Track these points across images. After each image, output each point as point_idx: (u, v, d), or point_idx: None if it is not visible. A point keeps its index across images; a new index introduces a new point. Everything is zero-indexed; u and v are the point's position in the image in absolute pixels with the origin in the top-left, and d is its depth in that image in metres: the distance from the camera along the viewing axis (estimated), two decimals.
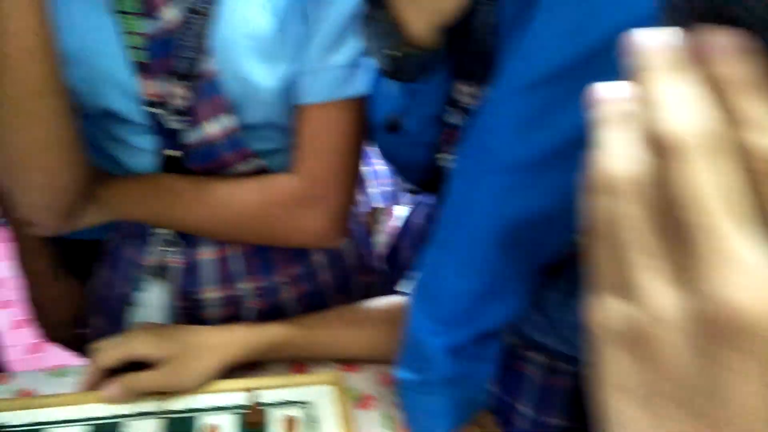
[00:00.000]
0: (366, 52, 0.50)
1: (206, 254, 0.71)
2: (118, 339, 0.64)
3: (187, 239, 0.71)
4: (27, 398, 0.63)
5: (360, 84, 0.61)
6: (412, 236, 0.88)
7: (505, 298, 0.52)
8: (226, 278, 0.72)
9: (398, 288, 0.75)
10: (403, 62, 0.48)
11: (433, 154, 0.58)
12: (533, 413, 0.63)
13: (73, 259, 0.89)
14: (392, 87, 0.54)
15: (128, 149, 0.67)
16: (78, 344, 0.94)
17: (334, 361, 0.69)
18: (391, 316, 0.68)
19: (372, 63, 0.57)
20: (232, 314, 0.74)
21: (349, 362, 0.69)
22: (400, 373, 0.58)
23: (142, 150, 0.66)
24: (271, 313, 0.74)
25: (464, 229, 0.50)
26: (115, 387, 0.61)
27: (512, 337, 0.61)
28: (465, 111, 0.54)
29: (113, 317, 0.78)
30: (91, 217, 0.68)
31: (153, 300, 0.74)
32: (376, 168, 1.42)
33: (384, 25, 0.47)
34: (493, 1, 0.49)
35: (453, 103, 0.54)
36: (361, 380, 0.68)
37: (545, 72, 0.42)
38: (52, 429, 0.59)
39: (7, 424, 0.58)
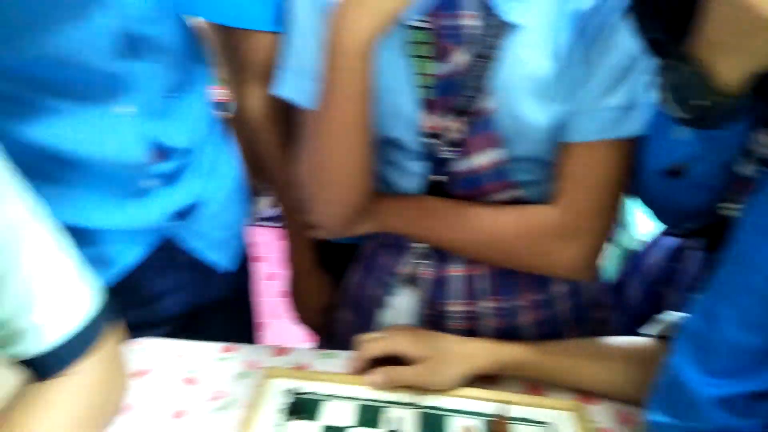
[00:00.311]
0: (663, 101, 0.51)
1: (455, 270, 0.78)
2: (383, 335, 0.74)
3: (439, 254, 0.78)
4: (309, 372, 0.76)
5: (632, 125, 0.63)
6: (643, 275, 0.86)
7: None
8: (470, 295, 0.78)
9: (639, 329, 0.75)
10: (711, 111, 0.49)
11: (715, 201, 0.58)
12: None
13: (331, 259, 1.03)
14: (683, 133, 0.55)
15: (400, 172, 0.76)
16: (322, 331, 1.08)
17: (570, 390, 0.71)
18: (633, 355, 0.69)
19: (651, 106, 0.59)
20: (471, 329, 0.80)
21: (585, 393, 0.71)
22: (654, 417, 0.58)
23: (412, 174, 0.75)
24: (507, 333, 0.78)
25: (751, 283, 0.49)
26: (379, 375, 0.71)
27: None
28: (760, 161, 0.53)
29: (362, 315, 0.89)
30: (364, 227, 0.78)
31: (402, 305, 0.82)
32: None
33: (688, 75, 0.48)
34: None
35: (747, 153, 0.54)
36: (600, 413, 0.69)
37: None
38: (332, 401, 0.71)
39: (298, 391, 0.71)
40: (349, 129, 0.65)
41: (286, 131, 0.94)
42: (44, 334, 0.59)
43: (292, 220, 1.00)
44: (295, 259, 1.03)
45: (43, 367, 0.60)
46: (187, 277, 0.92)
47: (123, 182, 0.79)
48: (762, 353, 0.50)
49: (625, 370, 0.68)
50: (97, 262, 0.70)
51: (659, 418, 0.58)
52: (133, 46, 0.74)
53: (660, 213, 0.68)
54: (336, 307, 1.01)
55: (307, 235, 0.99)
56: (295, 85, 0.74)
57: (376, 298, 0.86)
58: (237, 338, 0.85)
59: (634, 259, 0.89)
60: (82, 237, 0.69)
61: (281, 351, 0.82)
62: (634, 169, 0.66)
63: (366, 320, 0.88)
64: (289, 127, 0.93)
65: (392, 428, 0.67)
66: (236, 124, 0.99)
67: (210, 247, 0.93)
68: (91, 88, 0.71)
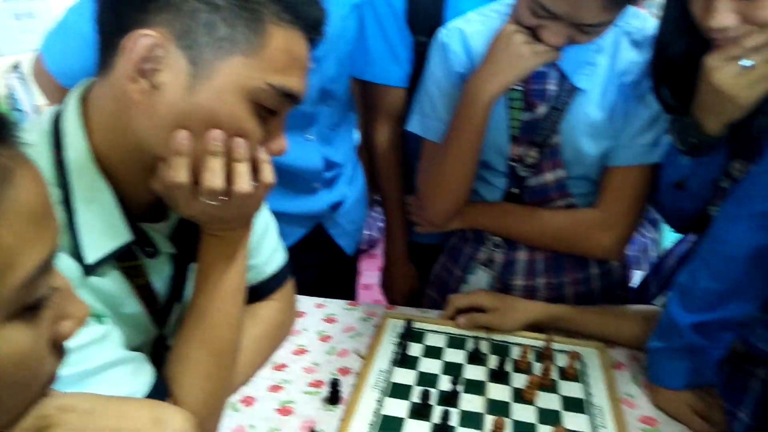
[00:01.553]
0: (672, 140, 0.87)
1: (521, 255, 1.11)
2: (468, 293, 1.06)
3: (509, 244, 1.12)
4: (415, 316, 1.08)
5: (655, 156, 0.97)
6: (659, 278, 1.18)
7: (741, 300, 0.81)
8: (530, 273, 1.11)
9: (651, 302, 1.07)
10: (699, 146, 0.84)
11: (704, 206, 0.92)
12: (749, 420, 0.87)
13: (416, 256, 1.37)
14: (684, 159, 0.89)
15: (487, 186, 1.10)
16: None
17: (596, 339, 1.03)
18: (644, 317, 1.00)
19: (668, 144, 0.93)
20: (530, 298, 1.12)
21: (606, 342, 1.02)
22: (652, 344, 0.90)
23: (496, 187, 1.09)
24: (555, 302, 1.10)
25: (720, 251, 0.81)
26: (465, 318, 1.03)
27: (741, 346, 0.87)
28: (734, 180, 0.87)
29: (445, 293, 1.21)
30: (458, 224, 1.12)
31: (479, 282, 1.15)
32: None
33: (687, 124, 0.84)
34: (765, 113, 0.82)
35: (727, 174, 0.88)
36: (616, 353, 1.00)
37: None
38: (432, 333, 1.03)
39: (417, 328, 1.03)
40: (467, 154, 1.01)
41: (400, 159, 1.31)
42: (265, 271, 0.92)
43: (392, 222, 1.35)
44: (390, 252, 1.38)
45: (258, 291, 0.91)
46: (324, 256, 1.27)
47: (304, 183, 1.16)
48: (722, 295, 0.81)
49: (638, 326, 0.99)
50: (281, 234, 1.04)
51: (655, 344, 0.90)
52: (323, 96, 1.12)
53: (669, 216, 1.02)
54: (419, 292, 1.34)
55: (402, 236, 1.34)
56: (424, 124, 1.09)
57: (458, 277, 1.19)
58: None
59: (655, 265, 1.21)
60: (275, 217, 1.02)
61: (390, 307, 1.15)
62: (654, 185, 1.00)
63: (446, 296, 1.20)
64: (403, 156, 1.31)
65: (471, 349, 0.98)
66: (363, 152, 1.37)
67: (342, 235, 1.29)
68: (296, 121, 1.03)
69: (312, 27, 0.67)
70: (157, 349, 0.78)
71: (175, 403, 0.69)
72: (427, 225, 1.16)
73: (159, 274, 0.75)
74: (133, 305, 0.71)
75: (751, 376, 0.79)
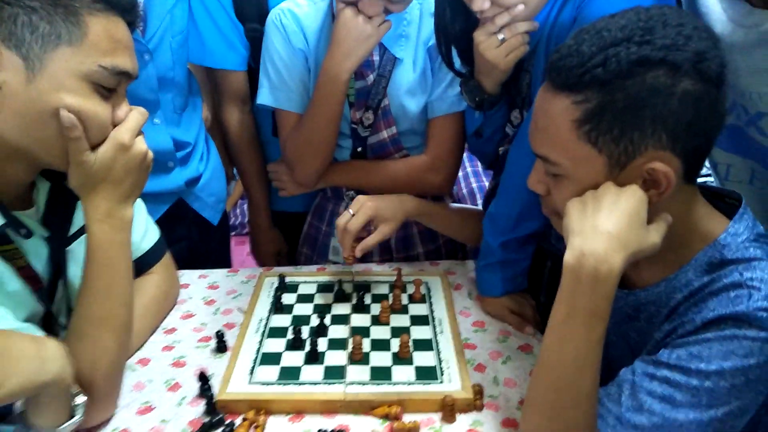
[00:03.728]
0: (464, 98, 1.07)
1: None
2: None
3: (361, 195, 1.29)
4: (288, 272, 1.23)
5: (464, 105, 1.17)
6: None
7: (532, 219, 1.03)
8: None
9: None
10: (483, 102, 1.04)
11: (497, 148, 1.13)
12: (545, 300, 1.08)
13: (279, 222, 1.53)
14: (476, 113, 1.10)
15: (337, 148, 1.26)
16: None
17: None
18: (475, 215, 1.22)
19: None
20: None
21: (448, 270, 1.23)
22: (479, 263, 1.11)
23: (344, 148, 1.26)
24: (404, 238, 1.31)
25: (511, 181, 1.03)
26: (359, 248, 1.17)
27: (541, 244, 1.07)
28: (514, 126, 1.08)
29: (316, 247, 1.38)
30: (320, 184, 1.28)
31: None
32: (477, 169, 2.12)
33: (472, 86, 1.04)
34: (527, 71, 1.03)
35: (510, 122, 1.09)
36: (454, 278, 1.22)
37: None
38: (304, 283, 1.18)
39: (290, 281, 1.18)
40: (331, 123, 1.16)
41: (253, 134, 1.43)
42: (141, 247, 1.04)
43: (252, 193, 1.50)
44: (254, 219, 1.53)
45: (139, 267, 1.02)
46: (192, 229, 1.39)
47: (159, 163, 1.26)
48: (520, 216, 1.03)
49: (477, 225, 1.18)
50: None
51: (479, 262, 1.11)
52: (162, 84, 1.23)
53: (478, 157, 1.25)
54: (289, 252, 1.50)
55: (263, 203, 1.49)
56: (275, 96, 1.22)
57: (325, 232, 1.36)
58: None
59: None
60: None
61: (268, 269, 1.29)
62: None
63: (320, 251, 1.37)
64: (256, 133, 1.44)
65: (336, 290, 1.14)
66: (213, 130, 1.49)
67: (204, 207, 1.41)
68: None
69: (125, 10, 0.79)
70: (47, 326, 0.86)
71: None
72: (295, 187, 1.31)
73: (37, 256, 0.84)
74: (15, 283, 0.79)
75: (544, 267, 1.05)
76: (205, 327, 1.09)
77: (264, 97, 1.23)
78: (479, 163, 2.37)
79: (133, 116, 0.81)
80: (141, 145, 0.82)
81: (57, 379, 0.69)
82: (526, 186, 0.99)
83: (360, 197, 1.11)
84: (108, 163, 0.79)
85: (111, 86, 0.77)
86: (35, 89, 0.72)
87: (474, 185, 2.30)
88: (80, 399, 0.76)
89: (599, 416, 0.70)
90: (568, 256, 0.69)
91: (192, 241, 1.42)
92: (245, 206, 1.53)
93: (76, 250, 0.89)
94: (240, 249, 2.28)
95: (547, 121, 0.72)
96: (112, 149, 0.79)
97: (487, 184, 2.24)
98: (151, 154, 0.85)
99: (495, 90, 1.03)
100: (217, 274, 1.26)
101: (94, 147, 0.78)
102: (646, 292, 0.78)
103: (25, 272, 0.82)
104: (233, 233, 2.52)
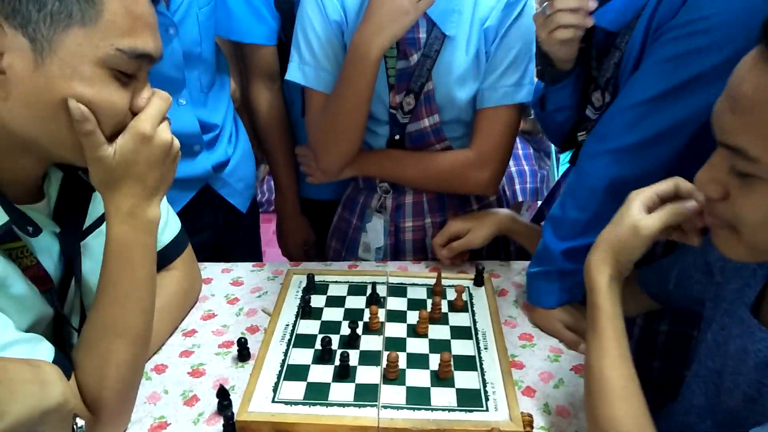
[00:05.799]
0: (537, 74, 0.95)
1: (408, 199, 1.18)
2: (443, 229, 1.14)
3: (397, 189, 1.18)
4: (317, 270, 1.13)
5: (519, 96, 1.05)
6: (550, 206, 1.28)
7: (602, 227, 0.90)
8: (418, 214, 1.19)
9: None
10: (543, 73, 0.94)
11: (566, 127, 1.02)
12: None
13: (308, 210, 1.43)
14: (541, 84, 1.00)
15: (372, 134, 1.15)
16: (302, 260, 1.46)
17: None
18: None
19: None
20: (420, 238, 1.19)
21: (491, 272, 1.12)
22: (531, 269, 0.99)
23: (380, 135, 1.14)
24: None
25: (583, 184, 0.90)
26: (445, 251, 1.13)
27: None
28: (594, 108, 0.95)
29: (346, 241, 1.27)
30: (348, 173, 1.17)
31: (375, 227, 1.21)
32: (522, 168, 1.98)
33: (546, 60, 0.92)
34: (618, 48, 0.89)
35: (591, 104, 0.96)
36: (500, 281, 1.10)
37: (648, 96, 0.82)
38: (334, 284, 1.09)
39: (320, 281, 1.08)
40: (360, 106, 1.03)
41: (283, 115, 1.32)
42: (161, 240, 0.95)
43: (280, 178, 1.39)
44: (281, 206, 1.42)
45: (158, 262, 0.92)
46: (218, 216, 1.30)
47: (185, 147, 1.15)
48: (586, 223, 0.91)
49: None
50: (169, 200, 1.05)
51: (533, 269, 0.99)
52: (189, 60, 1.11)
53: (548, 133, 1.11)
54: (317, 243, 1.40)
55: (292, 189, 1.38)
56: (305, 72, 1.09)
57: (356, 227, 1.25)
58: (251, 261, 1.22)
59: (546, 195, 1.32)
60: None
61: (295, 264, 1.19)
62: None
63: (349, 246, 1.27)
64: (285, 113, 1.32)
65: (371, 293, 1.04)
66: (243, 110, 1.38)
67: (232, 194, 1.31)
68: (165, 87, 1.01)
69: None
70: (59, 328, 0.78)
71: (79, 390, 0.72)
72: (321, 175, 1.19)
73: (47, 254, 0.75)
74: (20, 285, 0.71)
75: None
76: (227, 330, 1.00)
77: (293, 73, 1.11)
78: (524, 162, 2.26)
79: (154, 102, 0.70)
80: (165, 134, 0.71)
81: (62, 403, 0.61)
82: (602, 188, 0.87)
83: (451, 222, 1.10)
84: (129, 157, 0.69)
85: (131, 71, 0.67)
86: (43, 76, 0.62)
87: (517, 187, 2.16)
88: (80, 422, 0.68)
89: None
90: None
91: (218, 229, 1.33)
92: (273, 182, 1.41)
93: (92, 244, 0.81)
94: (266, 227, 2.19)
95: (757, 101, 0.54)
96: (132, 141, 0.69)
97: (529, 185, 2.10)
98: (177, 144, 0.75)
99: (563, 66, 0.92)
100: (242, 269, 1.17)
101: (112, 139, 0.68)
102: None
103: (34, 271, 0.73)
104: (260, 210, 2.44)
